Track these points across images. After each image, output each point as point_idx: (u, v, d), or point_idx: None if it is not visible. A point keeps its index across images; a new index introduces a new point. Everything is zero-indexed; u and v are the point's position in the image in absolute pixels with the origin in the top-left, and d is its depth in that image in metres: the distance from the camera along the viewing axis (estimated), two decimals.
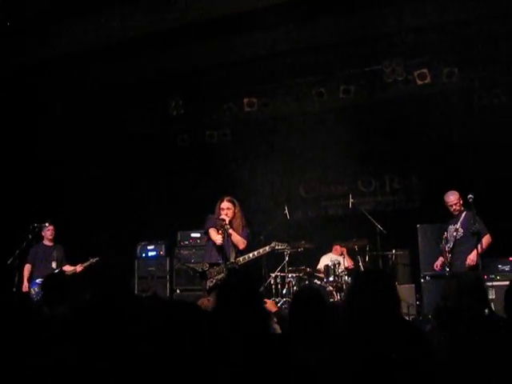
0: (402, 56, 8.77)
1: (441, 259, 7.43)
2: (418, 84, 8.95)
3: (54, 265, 8.35)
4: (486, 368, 2.33)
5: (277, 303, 9.03)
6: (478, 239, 6.80)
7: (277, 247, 6.84)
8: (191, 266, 7.02)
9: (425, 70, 8.88)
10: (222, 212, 6.69)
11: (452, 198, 7.25)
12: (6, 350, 2.76)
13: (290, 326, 3.63)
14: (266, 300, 4.34)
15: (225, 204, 6.73)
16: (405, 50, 8.73)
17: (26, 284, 8.08)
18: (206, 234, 6.80)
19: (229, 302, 3.19)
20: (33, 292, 7.87)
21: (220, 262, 6.59)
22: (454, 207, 7.21)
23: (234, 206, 6.78)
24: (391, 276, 8.19)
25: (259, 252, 6.74)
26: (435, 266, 7.56)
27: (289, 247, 6.98)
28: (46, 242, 8.47)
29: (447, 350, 2.97)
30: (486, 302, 3.71)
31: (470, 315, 3.21)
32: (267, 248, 6.79)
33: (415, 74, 8.90)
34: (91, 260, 8.52)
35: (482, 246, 6.81)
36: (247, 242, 6.74)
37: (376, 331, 2.57)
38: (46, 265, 8.28)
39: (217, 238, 6.55)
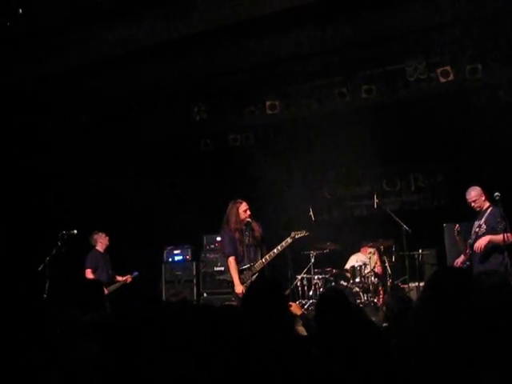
0: (424, 54, 8.71)
1: (462, 256, 7.17)
2: (441, 82, 8.88)
3: (110, 272, 8.52)
4: None
5: (303, 305, 9.06)
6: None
7: (296, 236, 6.83)
8: (224, 277, 7.09)
9: (447, 68, 8.80)
10: (244, 214, 6.80)
11: (473, 193, 6.95)
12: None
13: (316, 328, 3.65)
14: (291, 303, 4.35)
15: (245, 205, 6.89)
16: (427, 48, 8.68)
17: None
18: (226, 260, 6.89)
19: (253, 305, 3.21)
20: None
21: (247, 266, 6.66)
22: (474, 204, 6.92)
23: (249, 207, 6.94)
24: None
25: (282, 245, 6.75)
26: (456, 263, 7.31)
27: (307, 233, 6.95)
28: (100, 250, 8.60)
29: None
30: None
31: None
32: (288, 239, 6.79)
33: (438, 71, 8.83)
34: (135, 274, 8.71)
35: (499, 238, 6.52)
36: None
37: None
38: (106, 271, 8.44)
39: (236, 281, 6.62)
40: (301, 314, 4.59)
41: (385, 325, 4.48)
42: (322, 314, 3.72)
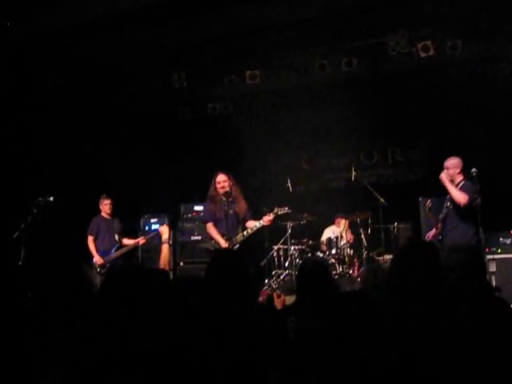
0: (406, 28, 8.70)
1: (434, 230, 7.11)
2: (422, 56, 8.89)
3: (116, 237, 8.47)
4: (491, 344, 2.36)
5: (279, 275, 9.15)
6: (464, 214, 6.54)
7: (279, 212, 6.88)
8: (204, 245, 7.15)
9: (428, 42, 8.81)
10: (218, 185, 6.83)
11: (451, 161, 6.79)
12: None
13: (296, 299, 3.69)
14: (275, 295, 4.34)
15: (220, 177, 6.89)
16: (408, 22, 8.67)
17: (97, 256, 8.24)
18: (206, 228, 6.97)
19: (216, 276, 3.20)
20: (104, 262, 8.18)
21: (225, 237, 6.74)
22: (447, 171, 6.74)
23: (229, 178, 6.93)
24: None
25: (257, 225, 6.82)
26: (427, 237, 7.25)
27: (290, 210, 7.02)
28: (105, 215, 8.58)
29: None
30: (484, 276, 3.73)
31: (472, 289, 3.23)
32: (271, 214, 6.84)
33: (419, 46, 8.83)
34: (152, 233, 8.70)
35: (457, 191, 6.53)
36: (250, 212, 6.92)
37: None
38: (109, 237, 8.42)
39: (219, 240, 6.71)
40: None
41: None
42: (302, 284, 3.77)
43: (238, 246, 6.69)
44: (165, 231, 5.61)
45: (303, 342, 2.89)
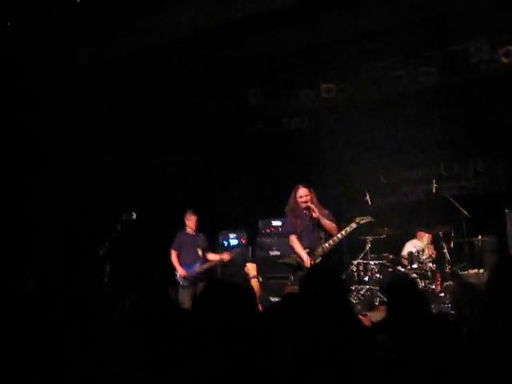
0: (487, 34, 8.44)
1: None
2: (504, 62, 8.60)
3: (199, 252, 8.54)
4: None
5: (358, 291, 8.99)
6: None
7: (361, 222, 6.74)
8: (285, 261, 7.10)
9: (510, 48, 8.52)
10: (300, 199, 6.74)
11: None
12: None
13: (386, 315, 3.59)
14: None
15: (302, 191, 6.78)
16: (489, 28, 8.41)
17: (180, 269, 8.34)
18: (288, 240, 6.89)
19: (309, 291, 3.15)
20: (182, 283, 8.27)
21: (307, 250, 6.64)
22: None
23: (310, 191, 6.81)
24: None
25: (346, 230, 6.68)
26: None
27: (372, 219, 6.87)
28: (189, 231, 8.66)
29: None
30: None
31: None
32: (353, 225, 6.71)
33: (500, 51, 8.55)
34: (236, 250, 8.91)
35: None
36: (336, 224, 6.74)
37: None
38: (192, 252, 8.49)
39: (301, 254, 6.61)
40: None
41: (453, 312, 4.41)
42: (392, 301, 3.67)
43: (319, 259, 6.58)
44: (252, 268, 5.58)
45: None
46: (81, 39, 8.19)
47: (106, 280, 6.75)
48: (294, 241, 6.78)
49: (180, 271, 8.29)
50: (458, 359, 2.82)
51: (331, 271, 3.52)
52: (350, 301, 3.16)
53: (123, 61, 8.56)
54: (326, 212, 6.80)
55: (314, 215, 6.62)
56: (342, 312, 2.89)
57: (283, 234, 7.48)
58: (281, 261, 8.27)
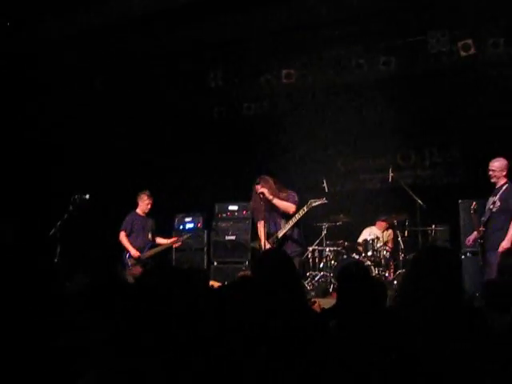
0: (447, 26, 8.52)
1: (474, 233, 7.00)
2: (462, 55, 8.70)
3: (149, 236, 8.33)
4: None
5: (314, 277, 9.05)
6: (509, 217, 6.38)
7: (314, 204, 6.76)
8: (252, 245, 7.19)
9: (469, 41, 8.62)
10: (257, 186, 6.89)
11: (496, 164, 6.66)
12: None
13: (336, 302, 3.59)
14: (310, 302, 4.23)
15: (256, 187, 6.89)
16: (449, 20, 8.49)
17: (133, 250, 8.05)
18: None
19: (260, 274, 3.13)
20: (130, 264, 8.01)
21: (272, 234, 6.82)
22: (492, 174, 6.64)
23: (263, 183, 6.87)
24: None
25: (299, 214, 6.73)
26: (467, 241, 7.21)
27: (325, 201, 6.89)
28: (140, 213, 8.37)
29: (502, 328, 2.89)
30: None
31: None
32: (305, 208, 6.75)
33: (459, 44, 8.64)
34: (186, 236, 8.73)
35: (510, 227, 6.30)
36: (295, 202, 6.79)
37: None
38: (142, 236, 8.25)
39: (261, 239, 6.81)
40: None
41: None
42: (342, 287, 3.66)
43: (277, 243, 6.68)
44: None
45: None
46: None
47: (56, 260, 6.62)
48: (259, 227, 6.97)
49: (133, 252, 8.09)
50: (403, 344, 2.83)
51: (282, 255, 3.51)
52: (301, 284, 3.14)
53: (79, 39, 8.38)
54: (287, 193, 6.88)
55: (267, 196, 6.71)
56: (293, 295, 2.87)
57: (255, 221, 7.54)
58: (251, 245, 8.35)
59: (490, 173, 6.69)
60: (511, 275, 3.15)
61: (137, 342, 2.30)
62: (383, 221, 9.46)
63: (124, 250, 8.10)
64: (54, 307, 3.09)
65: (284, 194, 6.83)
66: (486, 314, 3.43)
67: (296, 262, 6.32)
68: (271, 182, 6.94)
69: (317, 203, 6.74)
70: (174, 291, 2.45)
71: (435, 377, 2.30)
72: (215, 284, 6.57)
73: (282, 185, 7.02)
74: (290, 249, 6.59)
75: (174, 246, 8.61)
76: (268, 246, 6.70)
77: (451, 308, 2.52)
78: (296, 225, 6.79)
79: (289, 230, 6.73)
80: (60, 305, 3.18)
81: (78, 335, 2.77)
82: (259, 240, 6.94)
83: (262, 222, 6.84)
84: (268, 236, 6.72)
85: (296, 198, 6.83)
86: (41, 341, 2.69)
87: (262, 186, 6.81)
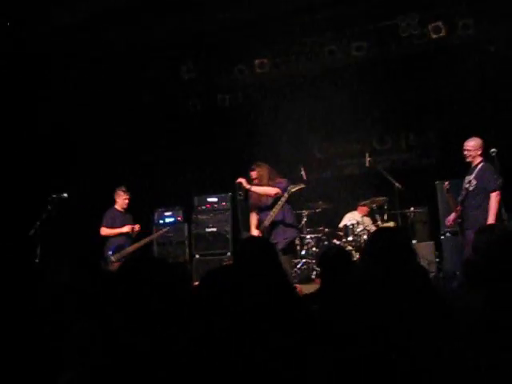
0: (416, 9, 8.57)
1: (453, 214, 7.04)
2: (433, 37, 8.77)
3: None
4: None
5: (295, 264, 9.09)
6: (486, 195, 6.45)
7: (293, 190, 6.76)
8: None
9: (439, 23, 8.69)
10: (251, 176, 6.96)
11: (471, 143, 6.70)
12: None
13: (320, 287, 3.64)
14: None
15: (251, 174, 6.93)
16: (419, 3, 8.54)
17: (127, 228, 8.00)
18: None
19: (241, 261, 3.14)
20: (114, 258, 7.86)
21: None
22: (467, 153, 6.69)
23: (257, 169, 6.92)
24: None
25: (278, 204, 6.72)
26: (447, 221, 7.25)
27: (303, 185, 6.93)
28: (119, 209, 8.24)
29: (481, 306, 2.93)
30: None
31: (503, 269, 3.14)
32: (286, 194, 6.74)
33: (430, 27, 8.71)
34: (164, 230, 8.66)
35: (491, 205, 6.36)
36: (279, 188, 6.80)
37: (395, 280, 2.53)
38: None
39: (252, 228, 6.92)
40: None
41: None
42: (324, 272, 3.71)
43: (265, 232, 6.74)
44: None
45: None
46: None
47: (37, 260, 6.57)
48: (251, 218, 7.02)
49: (124, 229, 7.98)
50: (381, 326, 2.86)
51: (263, 242, 3.53)
52: (283, 270, 3.15)
53: (56, 31, 8.28)
54: (272, 182, 6.88)
55: (244, 186, 6.75)
56: (275, 281, 2.88)
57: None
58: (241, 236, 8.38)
59: (466, 152, 6.75)
60: (485, 252, 3.19)
61: (117, 338, 2.29)
62: (364, 205, 9.52)
63: (106, 246, 8.05)
64: (39, 306, 3.08)
65: (271, 182, 6.86)
66: (465, 292, 3.50)
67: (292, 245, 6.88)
68: (265, 167, 6.99)
69: (295, 189, 6.76)
70: (155, 280, 2.45)
71: (406, 355, 2.34)
72: None
73: (277, 173, 7.06)
74: (284, 235, 6.72)
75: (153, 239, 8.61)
76: (256, 233, 6.78)
77: (405, 282, 2.57)
78: (286, 210, 6.83)
79: (274, 217, 6.73)
80: (44, 304, 3.17)
81: (60, 333, 2.77)
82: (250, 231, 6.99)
83: (254, 213, 6.97)
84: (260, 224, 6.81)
85: (283, 185, 6.82)
86: (23, 340, 2.68)
87: (258, 172, 6.87)
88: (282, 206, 6.72)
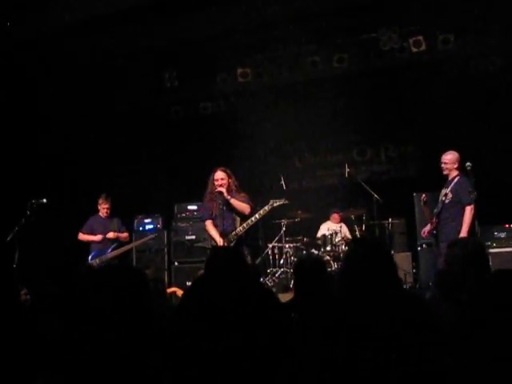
0: (398, 23, 8.70)
1: (429, 225, 7.04)
2: (414, 51, 8.90)
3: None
4: (496, 336, 2.32)
5: (274, 274, 9.13)
6: (461, 208, 6.51)
7: (275, 204, 6.75)
8: (199, 245, 7.09)
9: (420, 38, 8.82)
10: (216, 183, 6.69)
11: (449, 156, 6.78)
12: None
13: (294, 296, 3.68)
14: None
15: (218, 174, 6.72)
16: (400, 18, 8.66)
17: (98, 237, 8.09)
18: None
19: (212, 272, 3.15)
20: (94, 264, 7.82)
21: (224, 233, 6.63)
22: (444, 166, 6.76)
23: (228, 175, 6.77)
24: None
25: (260, 213, 6.67)
26: (422, 233, 7.28)
27: (286, 201, 6.90)
28: (100, 215, 8.34)
29: (453, 317, 2.99)
30: (488, 269, 3.72)
31: (474, 281, 3.22)
32: (266, 207, 6.71)
33: (410, 41, 8.84)
34: (149, 236, 8.65)
35: (465, 219, 6.44)
36: (250, 205, 6.73)
37: (374, 296, 2.56)
38: (104, 237, 8.17)
39: (215, 237, 6.61)
40: None
41: None
42: (300, 282, 3.75)
43: (234, 242, 6.59)
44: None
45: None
46: None
47: (15, 265, 6.52)
48: (209, 226, 6.74)
49: (96, 237, 8.08)
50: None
51: (232, 250, 3.56)
52: (254, 278, 3.18)
53: (38, 39, 8.28)
54: (243, 195, 6.77)
55: (225, 196, 6.60)
56: (247, 289, 2.91)
57: (200, 220, 7.43)
58: (196, 244, 8.26)
59: (443, 165, 6.84)
60: (457, 265, 3.26)
61: (89, 342, 2.31)
62: (336, 212, 9.61)
63: (89, 252, 8.09)
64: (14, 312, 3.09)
65: (242, 195, 6.75)
66: (438, 303, 3.56)
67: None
68: (233, 177, 6.85)
69: (277, 203, 6.75)
70: (126, 289, 2.46)
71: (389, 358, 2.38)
72: (178, 291, 6.59)
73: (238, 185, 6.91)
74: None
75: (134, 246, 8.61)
76: (222, 242, 6.54)
77: (388, 293, 2.60)
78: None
79: (247, 229, 6.67)
80: (17, 309, 3.18)
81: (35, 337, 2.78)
82: (211, 240, 6.77)
83: (210, 221, 6.74)
84: (225, 234, 6.59)
85: (250, 201, 6.77)
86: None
87: (228, 180, 6.72)
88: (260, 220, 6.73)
